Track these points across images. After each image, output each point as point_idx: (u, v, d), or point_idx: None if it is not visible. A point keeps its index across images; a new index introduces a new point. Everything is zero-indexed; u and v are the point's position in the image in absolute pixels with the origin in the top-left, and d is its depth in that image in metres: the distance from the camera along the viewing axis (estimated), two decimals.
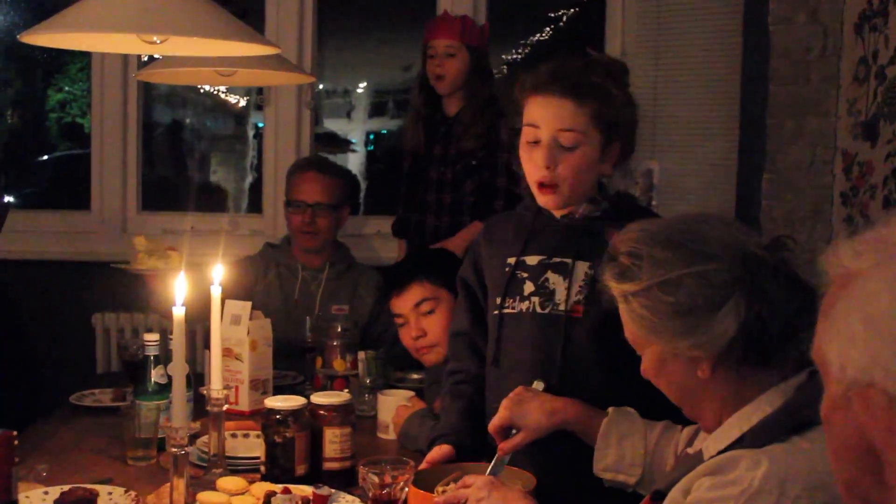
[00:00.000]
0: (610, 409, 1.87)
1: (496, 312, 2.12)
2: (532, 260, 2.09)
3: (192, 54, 2.33)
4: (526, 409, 1.89)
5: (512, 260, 2.11)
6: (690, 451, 1.61)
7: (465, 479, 1.81)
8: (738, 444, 1.45)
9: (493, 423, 1.92)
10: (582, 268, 2.02)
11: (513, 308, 2.09)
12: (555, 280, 2.05)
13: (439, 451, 2.07)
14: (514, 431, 1.91)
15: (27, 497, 1.94)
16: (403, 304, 2.72)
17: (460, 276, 2.29)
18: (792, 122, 3.46)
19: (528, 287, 2.08)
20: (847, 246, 0.91)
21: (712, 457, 1.47)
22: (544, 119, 2.01)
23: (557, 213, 2.11)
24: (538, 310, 2.05)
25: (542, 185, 2.04)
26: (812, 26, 3.41)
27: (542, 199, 2.07)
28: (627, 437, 1.82)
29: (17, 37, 1.99)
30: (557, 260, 2.05)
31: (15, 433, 1.11)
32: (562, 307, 2.03)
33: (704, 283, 1.45)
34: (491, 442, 1.96)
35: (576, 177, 2.03)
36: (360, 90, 8.18)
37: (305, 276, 3.48)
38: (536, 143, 2.02)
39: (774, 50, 3.48)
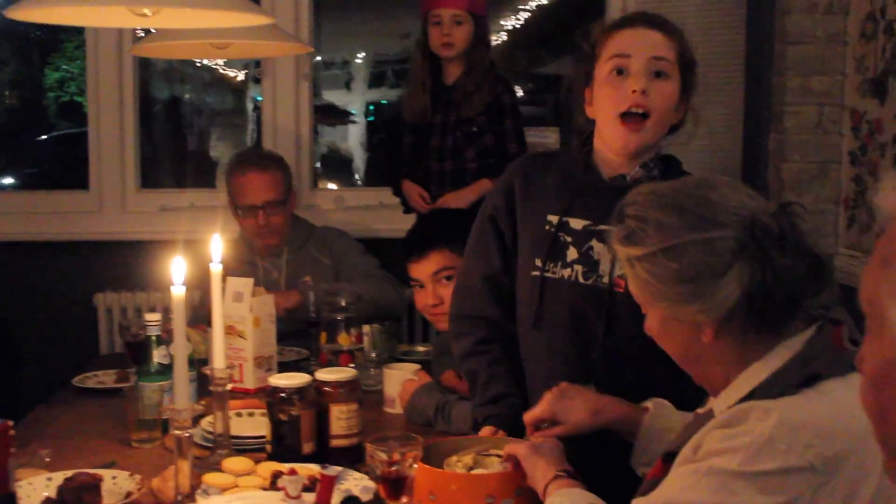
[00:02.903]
0: (650, 405, 1.82)
1: (536, 274, 2.03)
2: (577, 224, 2.01)
3: (184, 26, 2.28)
4: (570, 404, 1.83)
5: (554, 218, 2.02)
6: (701, 411, 1.58)
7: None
8: (748, 398, 1.42)
9: (533, 414, 1.85)
10: None
11: (554, 273, 2.01)
12: (599, 249, 1.97)
13: (488, 431, 1.98)
14: (545, 424, 1.84)
15: (30, 483, 1.90)
16: (422, 270, 2.67)
17: (489, 213, 2.15)
18: (798, 80, 3.40)
19: (572, 253, 2.00)
20: None
21: (722, 412, 1.46)
22: (636, 47, 1.95)
23: (606, 174, 2.03)
24: (581, 279, 1.99)
25: (629, 116, 1.95)
26: None
27: (625, 136, 1.96)
28: (667, 432, 1.77)
29: (3, 12, 1.93)
30: (603, 227, 1.91)
31: (10, 423, 1.07)
32: (605, 279, 1.97)
33: (709, 250, 1.42)
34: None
35: (665, 109, 1.97)
36: (358, 60, 8.10)
37: (265, 265, 3.38)
38: (623, 72, 1.95)
39: (779, 7, 3.42)
